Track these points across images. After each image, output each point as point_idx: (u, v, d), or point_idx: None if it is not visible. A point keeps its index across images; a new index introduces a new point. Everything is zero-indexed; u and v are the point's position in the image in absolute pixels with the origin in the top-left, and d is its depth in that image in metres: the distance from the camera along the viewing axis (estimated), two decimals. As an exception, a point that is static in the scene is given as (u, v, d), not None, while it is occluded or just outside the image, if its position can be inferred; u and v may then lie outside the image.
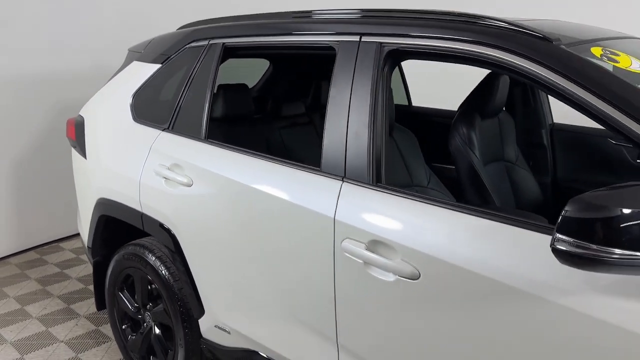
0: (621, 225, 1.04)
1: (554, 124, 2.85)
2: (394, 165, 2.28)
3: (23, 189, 4.16)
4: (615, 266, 1.06)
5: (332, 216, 1.69)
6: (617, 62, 1.50)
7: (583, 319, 1.24)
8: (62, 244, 4.39)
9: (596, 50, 1.53)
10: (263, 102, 3.34)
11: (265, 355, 2.04)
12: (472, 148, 2.39)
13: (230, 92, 2.68)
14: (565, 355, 1.29)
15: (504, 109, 2.62)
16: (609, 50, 1.54)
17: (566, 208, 1.08)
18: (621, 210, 1.03)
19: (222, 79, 2.51)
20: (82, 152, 2.76)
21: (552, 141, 2.81)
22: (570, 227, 1.07)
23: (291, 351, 1.94)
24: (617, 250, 1.04)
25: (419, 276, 1.50)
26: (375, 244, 1.59)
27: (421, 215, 1.55)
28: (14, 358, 2.89)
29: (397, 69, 3.29)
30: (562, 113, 2.66)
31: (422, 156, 2.36)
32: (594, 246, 1.05)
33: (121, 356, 2.81)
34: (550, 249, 1.14)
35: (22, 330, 3.16)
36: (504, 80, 2.47)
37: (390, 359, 1.65)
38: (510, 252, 1.38)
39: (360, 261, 1.62)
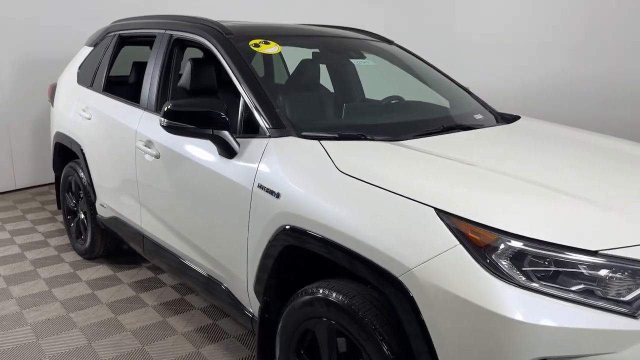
0: (183, 114, 2.33)
1: (364, 98, 4.04)
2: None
3: (41, 140, 5.80)
4: (176, 129, 2.34)
5: (135, 129, 3.05)
6: (259, 46, 2.69)
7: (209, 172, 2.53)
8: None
9: (254, 42, 2.73)
10: None
11: (119, 217, 3.44)
12: None
13: (138, 67, 4.09)
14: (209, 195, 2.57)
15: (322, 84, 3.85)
16: (263, 41, 2.75)
17: (166, 104, 2.36)
18: (183, 108, 2.33)
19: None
20: (52, 104, 4.27)
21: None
22: (166, 114, 2.35)
23: (126, 211, 3.32)
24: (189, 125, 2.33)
25: (159, 156, 2.84)
26: (148, 142, 2.94)
27: (166, 125, 2.88)
28: (7, 238, 4.46)
29: (279, 56, 4.57)
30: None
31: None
32: (175, 122, 2.34)
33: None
34: None
35: (19, 226, 4.73)
36: (315, 67, 3.70)
37: (155, 207, 2.99)
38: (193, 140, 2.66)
39: (143, 152, 2.98)
